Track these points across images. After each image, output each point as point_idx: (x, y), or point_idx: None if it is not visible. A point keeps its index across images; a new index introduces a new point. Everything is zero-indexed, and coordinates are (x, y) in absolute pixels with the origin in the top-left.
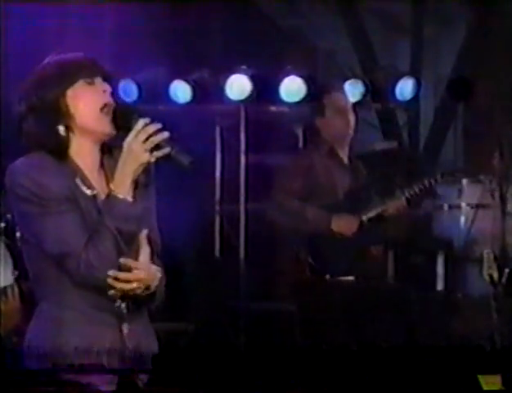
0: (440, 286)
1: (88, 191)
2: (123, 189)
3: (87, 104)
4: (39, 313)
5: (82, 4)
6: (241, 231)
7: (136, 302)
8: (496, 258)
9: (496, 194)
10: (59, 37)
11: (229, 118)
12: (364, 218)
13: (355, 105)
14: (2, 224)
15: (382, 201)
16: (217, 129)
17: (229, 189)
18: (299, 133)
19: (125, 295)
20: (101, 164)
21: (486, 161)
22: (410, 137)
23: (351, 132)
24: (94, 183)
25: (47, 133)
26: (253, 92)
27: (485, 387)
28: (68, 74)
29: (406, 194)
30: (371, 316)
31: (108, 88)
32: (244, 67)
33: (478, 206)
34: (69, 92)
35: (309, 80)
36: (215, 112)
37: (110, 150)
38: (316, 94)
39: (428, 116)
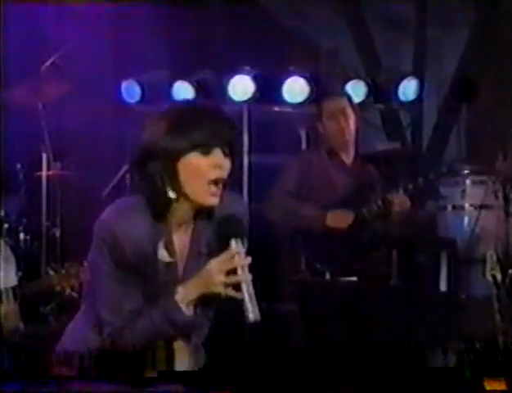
0: (443, 286)
1: (167, 258)
2: (186, 300)
3: (196, 176)
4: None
5: (83, 4)
6: None
7: None
8: (499, 259)
9: (500, 195)
10: (59, 37)
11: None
12: (364, 210)
13: (357, 108)
14: (6, 225)
15: (383, 196)
16: None
17: (232, 189)
18: (302, 133)
19: None
20: (193, 227)
21: (489, 162)
22: (413, 138)
23: (348, 136)
24: (177, 248)
25: (156, 191)
26: (255, 92)
27: (488, 388)
28: (189, 141)
29: (409, 188)
30: (374, 316)
31: (225, 163)
32: (247, 68)
33: (481, 207)
34: (182, 159)
35: (312, 81)
36: None
37: (207, 214)
38: (318, 95)
39: (431, 117)
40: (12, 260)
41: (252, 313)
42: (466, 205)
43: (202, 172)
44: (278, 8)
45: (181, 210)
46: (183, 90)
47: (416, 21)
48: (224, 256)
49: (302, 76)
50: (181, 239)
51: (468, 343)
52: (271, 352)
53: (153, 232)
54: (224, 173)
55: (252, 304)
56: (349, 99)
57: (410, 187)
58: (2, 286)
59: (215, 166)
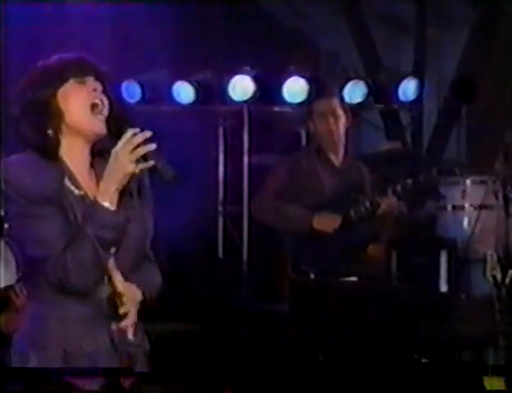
0: (443, 287)
1: (76, 191)
2: (106, 196)
3: (77, 103)
4: (28, 311)
5: (83, 4)
6: (244, 231)
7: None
8: (499, 259)
9: (500, 195)
10: (60, 37)
11: (232, 118)
12: (352, 213)
13: (348, 109)
14: (6, 225)
15: (372, 198)
16: (220, 130)
17: (232, 190)
18: (302, 133)
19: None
20: (92, 166)
21: (489, 162)
22: (413, 138)
23: (337, 137)
24: (83, 184)
25: (37, 133)
26: (256, 92)
27: (488, 388)
28: (58, 74)
29: (398, 189)
30: (374, 317)
31: (99, 86)
32: (247, 68)
33: (481, 207)
34: (60, 92)
35: (312, 81)
36: (218, 113)
37: (101, 153)
38: (318, 95)
39: (431, 117)
40: (12, 260)
41: (167, 171)
42: (466, 205)
43: (82, 99)
44: (278, 8)
45: (74, 147)
46: (183, 90)
47: (416, 21)
48: (124, 139)
49: (302, 76)
50: (87, 173)
51: (468, 343)
52: (273, 352)
53: (52, 171)
54: (103, 98)
55: (162, 163)
56: (341, 100)
57: (399, 188)
58: (2, 286)
59: (93, 90)
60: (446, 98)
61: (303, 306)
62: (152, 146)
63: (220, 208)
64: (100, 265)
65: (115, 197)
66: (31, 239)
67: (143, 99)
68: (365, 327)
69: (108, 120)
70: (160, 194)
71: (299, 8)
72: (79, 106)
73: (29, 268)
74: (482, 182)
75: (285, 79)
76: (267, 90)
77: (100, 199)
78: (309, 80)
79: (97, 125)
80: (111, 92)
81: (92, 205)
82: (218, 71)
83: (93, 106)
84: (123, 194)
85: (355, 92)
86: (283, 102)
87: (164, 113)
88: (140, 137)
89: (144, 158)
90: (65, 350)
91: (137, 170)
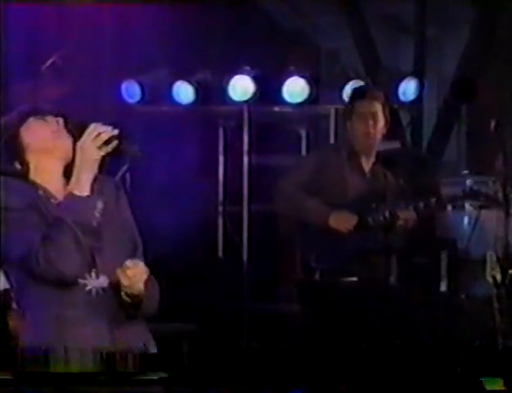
0: (443, 287)
1: (52, 200)
2: (78, 186)
3: (39, 132)
4: (28, 318)
5: (83, 4)
6: (244, 232)
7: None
8: (499, 259)
9: (500, 195)
10: (61, 38)
11: (232, 119)
12: (369, 218)
13: (388, 114)
14: None
15: (393, 208)
16: (220, 130)
17: (232, 190)
18: (302, 133)
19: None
20: (66, 177)
21: (489, 162)
22: (413, 138)
23: (373, 141)
24: (58, 195)
25: (6, 165)
26: (256, 92)
27: (488, 388)
28: (20, 118)
29: (420, 206)
30: (374, 317)
31: (60, 124)
32: (247, 68)
33: (481, 207)
34: (23, 130)
35: (312, 81)
36: (218, 113)
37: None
38: (318, 95)
39: (431, 117)
40: None
41: (131, 148)
42: (466, 205)
43: (43, 137)
44: (278, 8)
45: (45, 168)
46: (183, 90)
47: (416, 21)
48: (87, 132)
49: (302, 76)
50: (61, 187)
51: (468, 343)
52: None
53: (25, 188)
54: (61, 137)
55: (126, 143)
56: (384, 104)
57: (421, 206)
58: (2, 287)
59: (54, 131)
60: (446, 98)
61: (310, 305)
62: (113, 131)
63: (220, 208)
64: (84, 252)
65: (88, 185)
66: (12, 243)
67: (143, 99)
68: (367, 327)
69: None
70: (160, 194)
71: (299, 8)
72: (41, 133)
73: (18, 274)
74: (482, 182)
75: (285, 79)
76: (267, 90)
77: (73, 190)
78: (309, 80)
79: (59, 139)
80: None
81: (66, 197)
82: (218, 71)
83: (56, 132)
84: (97, 181)
85: None
86: (283, 102)
87: (164, 113)
88: (101, 127)
89: (107, 143)
90: (67, 350)
91: (104, 153)
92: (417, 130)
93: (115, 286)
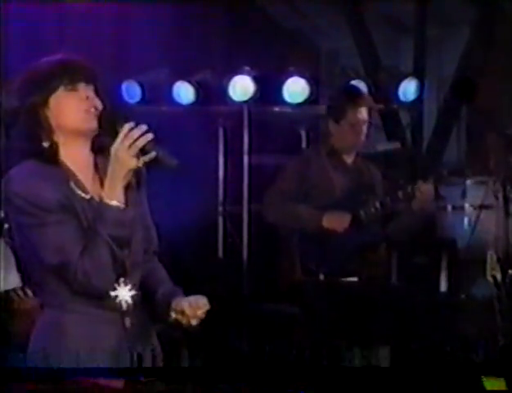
0: (443, 287)
1: (83, 195)
2: (113, 195)
3: (69, 112)
4: (43, 318)
5: (83, 4)
6: (244, 231)
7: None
8: (499, 259)
9: (500, 195)
10: (60, 37)
11: (232, 119)
12: (361, 213)
13: (376, 116)
14: (6, 226)
15: (383, 199)
16: (220, 130)
17: (232, 190)
18: (302, 133)
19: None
20: (95, 167)
21: (489, 162)
22: (413, 138)
23: (359, 142)
24: (88, 186)
25: (33, 143)
26: (256, 93)
27: (488, 388)
28: (47, 83)
29: (408, 191)
30: (374, 317)
31: (91, 92)
32: (247, 68)
33: (481, 207)
34: (51, 101)
35: (312, 81)
36: (218, 113)
37: (101, 151)
38: (318, 95)
39: (431, 117)
40: (12, 261)
41: (168, 159)
42: (466, 205)
43: (74, 107)
44: (278, 8)
45: (73, 149)
46: (183, 90)
47: (416, 21)
48: (121, 135)
49: (302, 76)
50: (90, 174)
51: (468, 343)
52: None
53: (57, 176)
54: (96, 103)
55: (164, 152)
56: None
57: (409, 190)
58: (3, 287)
59: (86, 98)
60: (446, 98)
61: (310, 305)
62: (149, 137)
63: (220, 208)
64: (117, 265)
65: (122, 194)
66: (47, 248)
67: (143, 99)
68: (367, 327)
69: (102, 117)
70: (160, 194)
71: (299, 8)
72: (72, 113)
73: (44, 276)
74: (482, 182)
75: (285, 79)
76: (267, 90)
77: (107, 199)
78: (309, 80)
79: (92, 123)
80: (103, 91)
81: (101, 207)
82: (218, 71)
83: (86, 113)
84: (128, 189)
85: None
86: (283, 102)
87: (164, 113)
88: (136, 131)
89: (143, 150)
90: (79, 353)
91: (140, 164)
92: (417, 130)
93: (170, 311)
